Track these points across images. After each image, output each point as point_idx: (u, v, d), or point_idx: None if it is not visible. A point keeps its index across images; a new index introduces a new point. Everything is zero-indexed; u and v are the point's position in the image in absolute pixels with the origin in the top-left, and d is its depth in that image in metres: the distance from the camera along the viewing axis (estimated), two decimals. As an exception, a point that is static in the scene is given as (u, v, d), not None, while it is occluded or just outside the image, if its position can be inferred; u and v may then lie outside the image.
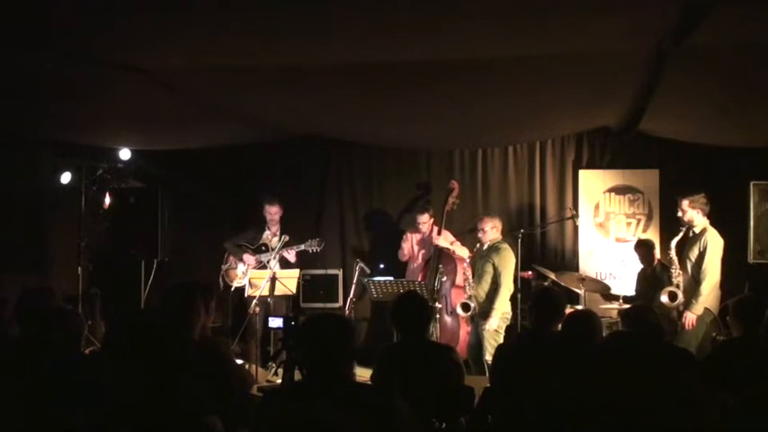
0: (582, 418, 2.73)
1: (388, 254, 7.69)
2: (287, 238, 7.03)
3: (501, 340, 6.22)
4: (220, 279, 7.41)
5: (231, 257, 7.42)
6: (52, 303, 4.02)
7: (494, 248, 6.61)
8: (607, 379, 2.83)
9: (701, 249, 6.08)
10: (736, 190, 7.21)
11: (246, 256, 7.29)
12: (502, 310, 6.43)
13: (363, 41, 4.18)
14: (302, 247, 7.14)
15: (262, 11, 3.68)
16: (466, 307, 6.50)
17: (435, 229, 7.18)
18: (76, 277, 7.11)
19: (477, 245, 6.70)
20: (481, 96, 5.53)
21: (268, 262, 7.16)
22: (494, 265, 6.53)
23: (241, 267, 7.28)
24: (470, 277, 6.61)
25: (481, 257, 6.67)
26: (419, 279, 7.00)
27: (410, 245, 7.43)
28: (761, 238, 7.26)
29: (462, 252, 7.02)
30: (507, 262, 6.52)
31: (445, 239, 7.13)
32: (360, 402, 2.51)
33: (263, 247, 7.28)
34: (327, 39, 4.13)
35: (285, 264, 7.25)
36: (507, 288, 6.47)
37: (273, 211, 7.33)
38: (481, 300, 6.55)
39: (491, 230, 6.65)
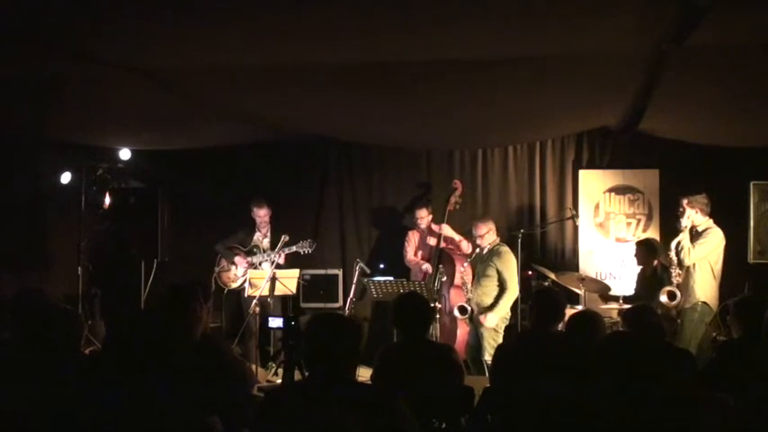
0: (582, 418, 2.72)
1: (388, 254, 7.70)
2: (286, 238, 7.04)
3: (500, 340, 6.23)
4: (212, 281, 7.39)
5: (223, 260, 7.41)
6: (44, 304, 4.00)
7: (494, 252, 6.59)
8: (607, 379, 2.83)
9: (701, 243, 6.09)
10: (736, 190, 7.21)
11: (238, 259, 7.27)
12: (503, 310, 6.43)
13: (364, 42, 4.18)
14: (294, 248, 7.09)
15: (262, 11, 3.68)
16: (463, 310, 6.50)
17: (438, 226, 7.19)
18: (76, 277, 7.11)
19: (477, 249, 6.70)
20: (481, 96, 5.53)
21: (260, 264, 7.16)
22: (497, 269, 6.52)
23: (241, 270, 7.26)
24: (468, 282, 6.62)
25: (482, 261, 6.66)
26: (420, 278, 7.00)
27: (413, 245, 7.44)
28: (761, 238, 7.25)
29: (465, 246, 7.05)
30: (510, 264, 6.53)
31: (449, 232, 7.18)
32: (360, 402, 2.51)
33: (255, 249, 7.27)
34: (328, 39, 4.13)
35: (276, 265, 7.23)
36: (513, 291, 6.47)
37: (262, 214, 7.33)
38: (482, 302, 6.54)
39: (488, 234, 6.63)
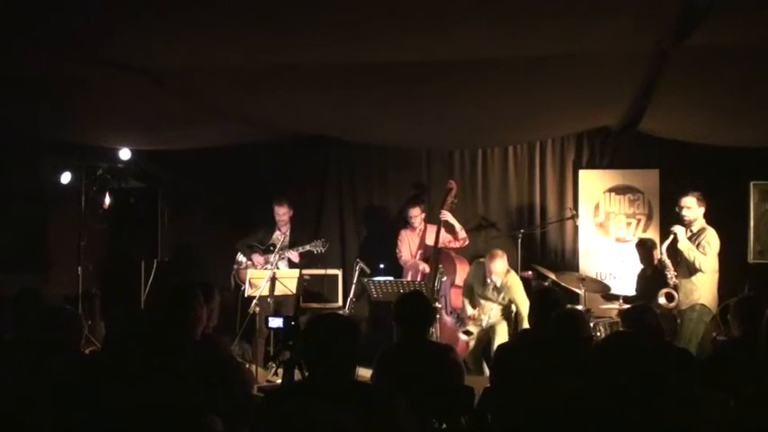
0: (582, 418, 2.72)
1: (388, 254, 7.69)
2: (286, 241, 7.05)
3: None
4: (231, 279, 7.42)
5: (243, 258, 7.42)
6: (44, 304, 3.99)
7: (508, 285, 6.49)
8: (607, 379, 2.83)
9: (698, 246, 6.10)
10: (736, 190, 7.22)
11: (255, 257, 7.29)
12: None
13: (363, 41, 4.18)
14: (307, 247, 7.14)
15: (262, 11, 3.68)
16: (467, 332, 6.46)
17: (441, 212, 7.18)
18: (76, 277, 7.11)
19: (488, 281, 6.52)
20: (482, 96, 5.53)
21: (277, 263, 7.16)
22: (510, 298, 6.50)
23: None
24: (467, 307, 6.61)
25: (492, 290, 6.57)
26: (418, 278, 6.99)
27: (407, 244, 7.42)
28: (761, 238, 7.26)
29: (463, 236, 7.14)
30: (522, 290, 6.49)
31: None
32: (360, 402, 2.51)
33: (272, 248, 7.27)
34: (327, 39, 4.14)
35: (290, 264, 7.27)
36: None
37: (282, 212, 7.33)
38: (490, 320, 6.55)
39: (504, 269, 6.50)
